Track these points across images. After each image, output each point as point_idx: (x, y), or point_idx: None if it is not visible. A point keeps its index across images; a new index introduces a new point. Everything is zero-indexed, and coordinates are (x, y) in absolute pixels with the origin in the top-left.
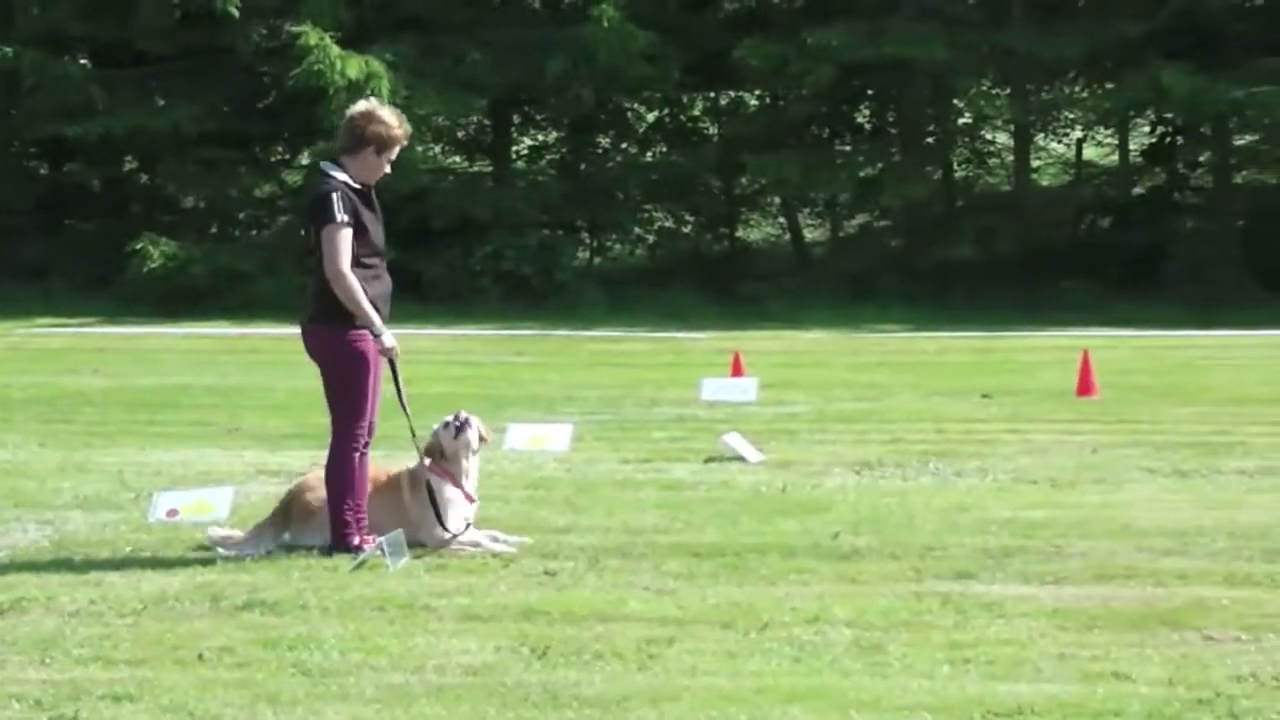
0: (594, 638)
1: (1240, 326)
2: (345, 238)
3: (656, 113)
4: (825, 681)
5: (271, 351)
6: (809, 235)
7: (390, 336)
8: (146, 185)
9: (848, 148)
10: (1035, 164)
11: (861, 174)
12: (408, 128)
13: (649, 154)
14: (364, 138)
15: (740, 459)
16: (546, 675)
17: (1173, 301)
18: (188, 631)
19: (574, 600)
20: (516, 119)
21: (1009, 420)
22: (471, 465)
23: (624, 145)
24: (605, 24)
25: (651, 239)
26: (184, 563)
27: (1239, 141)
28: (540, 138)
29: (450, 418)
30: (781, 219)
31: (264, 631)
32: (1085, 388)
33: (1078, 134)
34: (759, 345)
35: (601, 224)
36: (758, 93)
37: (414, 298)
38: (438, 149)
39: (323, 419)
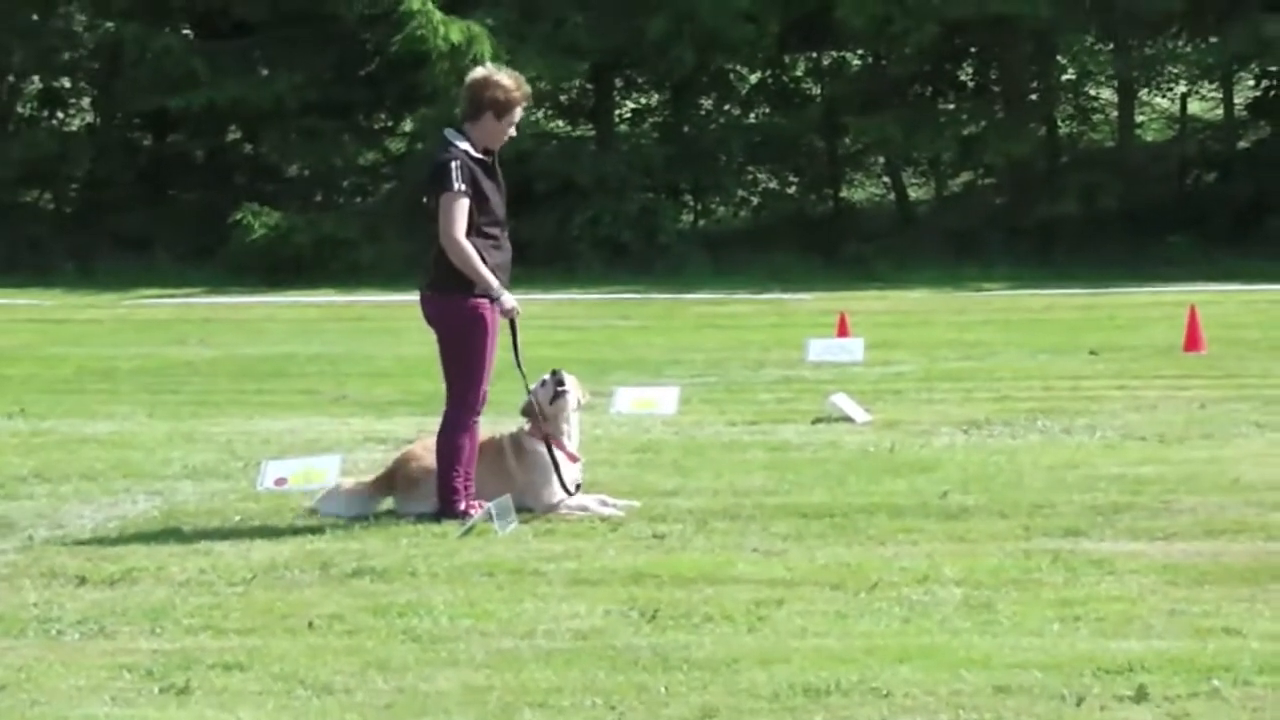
0: (703, 600)
1: None
2: (462, 206)
3: (758, 74)
4: (935, 641)
5: (377, 319)
6: (913, 194)
7: (510, 298)
8: (249, 155)
9: (950, 106)
10: (1139, 119)
11: (965, 132)
12: (526, 90)
13: (751, 115)
14: (482, 103)
15: (847, 419)
16: (656, 638)
17: (1279, 256)
18: (297, 600)
19: (682, 563)
20: (618, 82)
21: (1116, 377)
22: (572, 425)
23: (726, 107)
24: None
25: (755, 201)
26: (293, 531)
27: None
28: (642, 101)
29: (547, 377)
30: (885, 179)
31: (373, 599)
32: (1192, 343)
33: (1182, 88)
34: (864, 305)
35: (704, 186)
36: (860, 52)
37: (518, 262)
38: (540, 113)
39: (428, 385)
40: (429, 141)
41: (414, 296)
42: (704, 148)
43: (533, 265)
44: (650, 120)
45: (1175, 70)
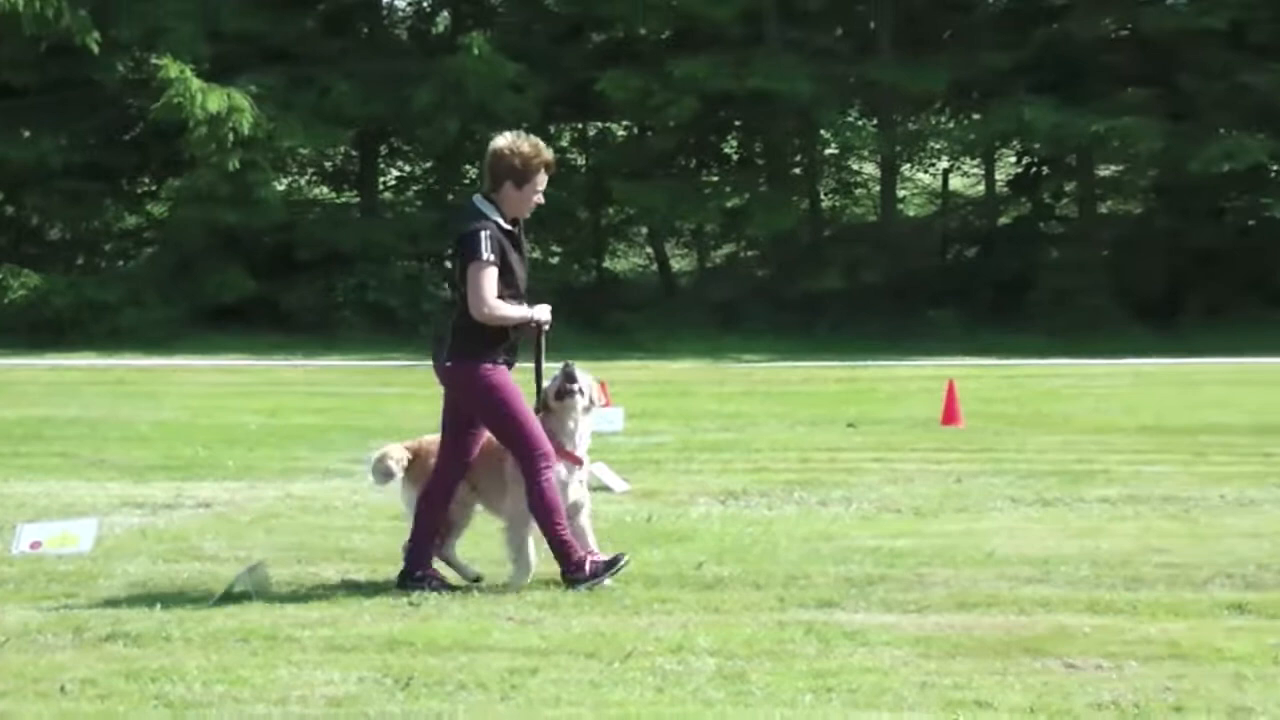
0: (457, 668)
1: (1105, 355)
2: (491, 276)
3: None
4: (688, 710)
5: (137, 382)
6: (676, 265)
7: (544, 310)
8: (11, 216)
9: (714, 178)
10: (901, 194)
11: (728, 204)
12: (547, 156)
13: None
14: (499, 173)
15: (606, 489)
16: (410, 706)
17: (1038, 330)
18: (49, 664)
19: (437, 630)
20: (384, 150)
21: (874, 449)
22: (580, 427)
23: None
24: (476, 53)
25: None
26: (47, 595)
27: (1103, 172)
28: (408, 168)
29: (558, 373)
30: (649, 249)
31: (126, 663)
32: (950, 416)
33: (944, 164)
34: (626, 375)
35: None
36: (624, 123)
37: (278, 329)
38: (304, 180)
39: (188, 450)
40: (188, 208)
41: (174, 361)
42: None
43: (295, 332)
44: (415, 188)
45: (937, 146)
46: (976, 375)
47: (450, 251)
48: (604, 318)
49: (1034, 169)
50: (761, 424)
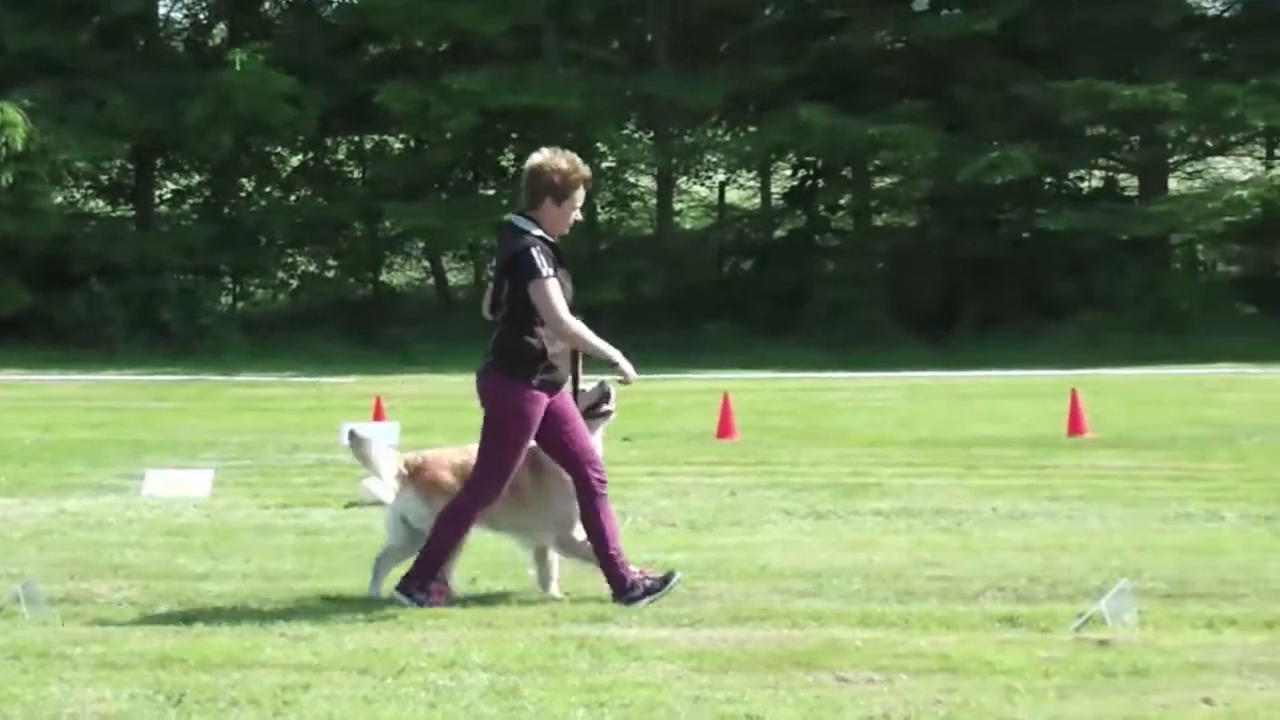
0: (229, 685)
1: (880, 368)
2: (556, 289)
3: (300, 156)
4: None
5: None
6: (453, 279)
7: (629, 367)
8: None
9: (491, 192)
10: (678, 207)
11: (505, 218)
12: (584, 172)
13: (293, 197)
14: (539, 189)
15: (380, 504)
16: None
17: (814, 343)
18: None
19: (210, 647)
20: (159, 163)
21: (649, 463)
22: (596, 439)
23: (268, 189)
24: (239, 69)
25: (295, 283)
26: None
27: (878, 184)
28: (183, 182)
29: (594, 389)
30: (425, 263)
31: None
32: (725, 430)
33: (720, 177)
34: (401, 389)
35: (245, 268)
36: (401, 136)
37: (54, 343)
38: (79, 193)
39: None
40: None
41: None
42: (245, 229)
43: (70, 346)
44: (191, 201)
45: (714, 159)
46: (752, 388)
47: (495, 273)
48: (380, 332)
49: (809, 181)
50: None
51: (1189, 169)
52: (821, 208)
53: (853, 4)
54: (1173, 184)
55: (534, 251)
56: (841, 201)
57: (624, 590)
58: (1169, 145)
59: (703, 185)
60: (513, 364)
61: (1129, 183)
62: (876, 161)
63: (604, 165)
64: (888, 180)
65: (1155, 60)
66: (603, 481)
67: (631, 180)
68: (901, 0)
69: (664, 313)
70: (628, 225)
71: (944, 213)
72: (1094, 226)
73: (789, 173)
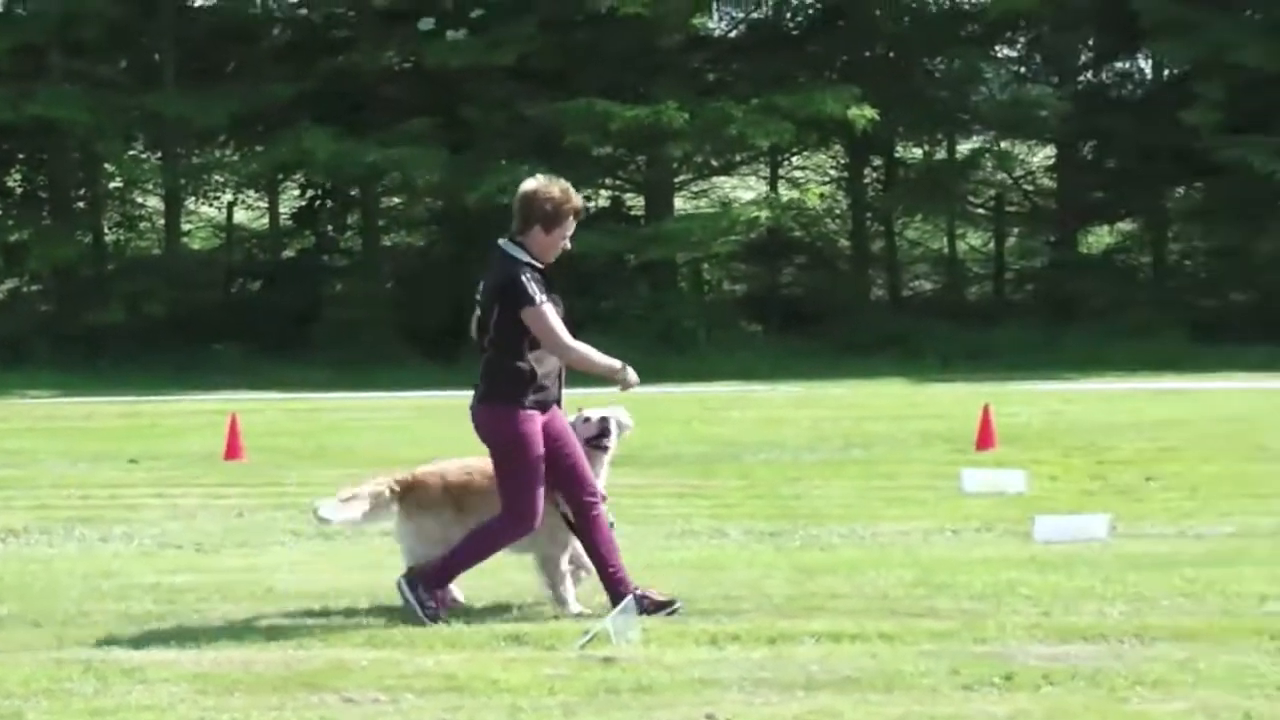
0: None
1: (389, 388)
2: (553, 313)
3: None
4: None
5: None
6: None
7: (631, 371)
8: None
9: None
10: (187, 227)
11: (11, 238)
12: (577, 202)
13: None
14: (530, 216)
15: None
16: None
17: (322, 363)
18: None
19: None
20: None
21: (155, 485)
22: (602, 463)
23: None
24: None
25: None
26: None
27: (386, 204)
28: None
29: (594, 420)
30: None
31: None
32: (233, 451)
33: (228, 197)
34: None
35: None
36: None
37: None
38: None
39: None
40: None
41: None
42: None
43: None
44: None
45: (221, 179)
46: (260, 409)
47: (482, 297)
48: None
49: (317, 201)
50: (43, 460)
51: (695, 188)
52: (330, 228)
53: (359, 24)
54: (679, 203)
55: (524, 279)
56: (350, 221)
57: (417, 587)
58: (674, 165)
59: (211, 205)
60: (504, 390)
61: (635, 202)
62: (384, 182)
63: (111, 185)
64: (396, 200)
65: (660, 81)
66: (594, 501)
67: (139, 200)
68: (408, 20)
69: (171, 333)
70: (135, 246)
71: (451, 232)
72: (601, 247)
73: (297, 193)
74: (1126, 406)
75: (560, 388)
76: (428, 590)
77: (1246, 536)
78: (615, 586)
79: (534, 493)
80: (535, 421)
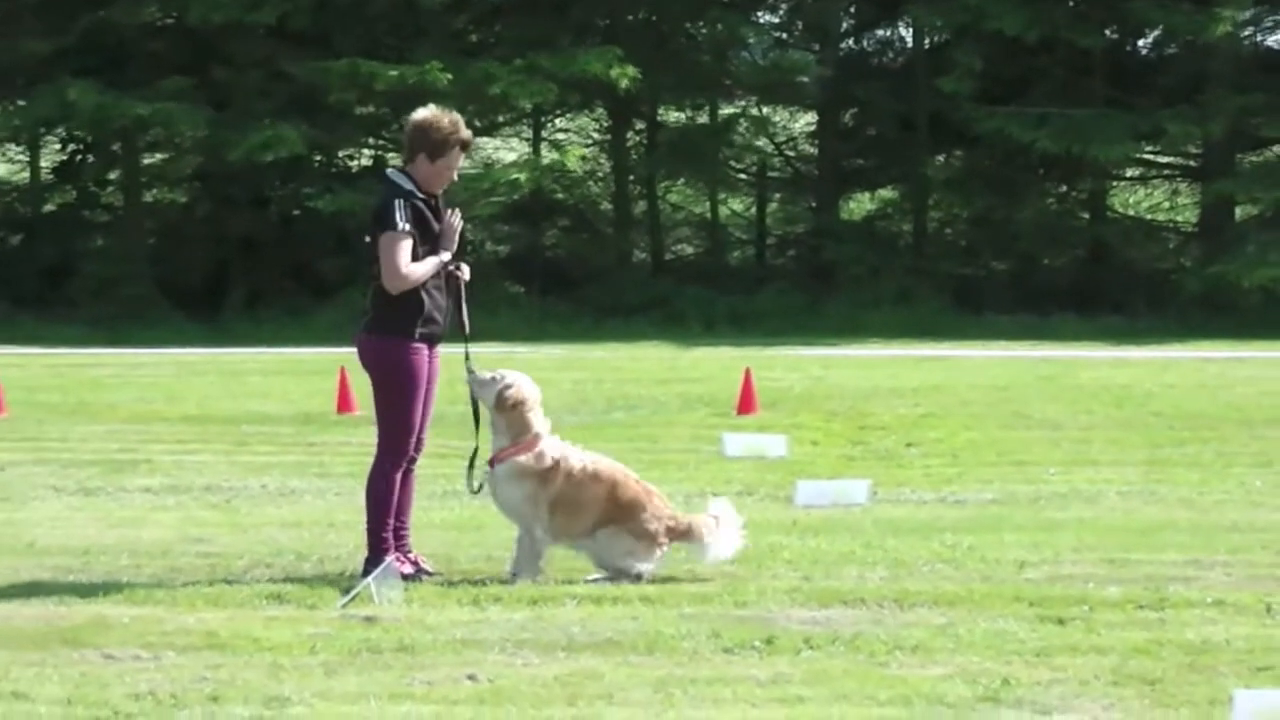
0: None
1: (148, 344)
2: (405, 246)
3: None
4: None
5: None
6: None
7: (466, 269)
8: None
9: None
10: None
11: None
12: (465, 134)
13: None
14: (415, 145)
15: None
16: None
17: (82, 319)
18: None
19: None
20: None
21: None
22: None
23: None
24: None
25: None
26: None
27: (148, 160)
28: None
29: (491, 382)
30: None
31: None
32: None
33: None
34: None
35: None
36: None
37: None
38: None
39: None
40: None
41: None
42: None
43: None
44: None
45: None
46: (20, 364)
47: (369, 226)
48: None
49: (79, 156)
50: None
51: None
52: (91, 183)
53: None
54: None
55: (396, 203)
56: (111, 177)
57: (376, 559)
58: None
59: None
60: (389, 323)
61: (398, 162)
62: (147, 137)
63: None
64: (158, 156)
65: (423, 41)
66: (414, 457)
67: None
68: None
69: None
70: None
71: (213, 190)
72: (364, 205)
73: (58, 147)
74: (887, 372)
75: (446, 323)
76: (373, 561)
77: (1006, 503)
78: (377, 539)
79: (410, 424)
80: (422, 354)
